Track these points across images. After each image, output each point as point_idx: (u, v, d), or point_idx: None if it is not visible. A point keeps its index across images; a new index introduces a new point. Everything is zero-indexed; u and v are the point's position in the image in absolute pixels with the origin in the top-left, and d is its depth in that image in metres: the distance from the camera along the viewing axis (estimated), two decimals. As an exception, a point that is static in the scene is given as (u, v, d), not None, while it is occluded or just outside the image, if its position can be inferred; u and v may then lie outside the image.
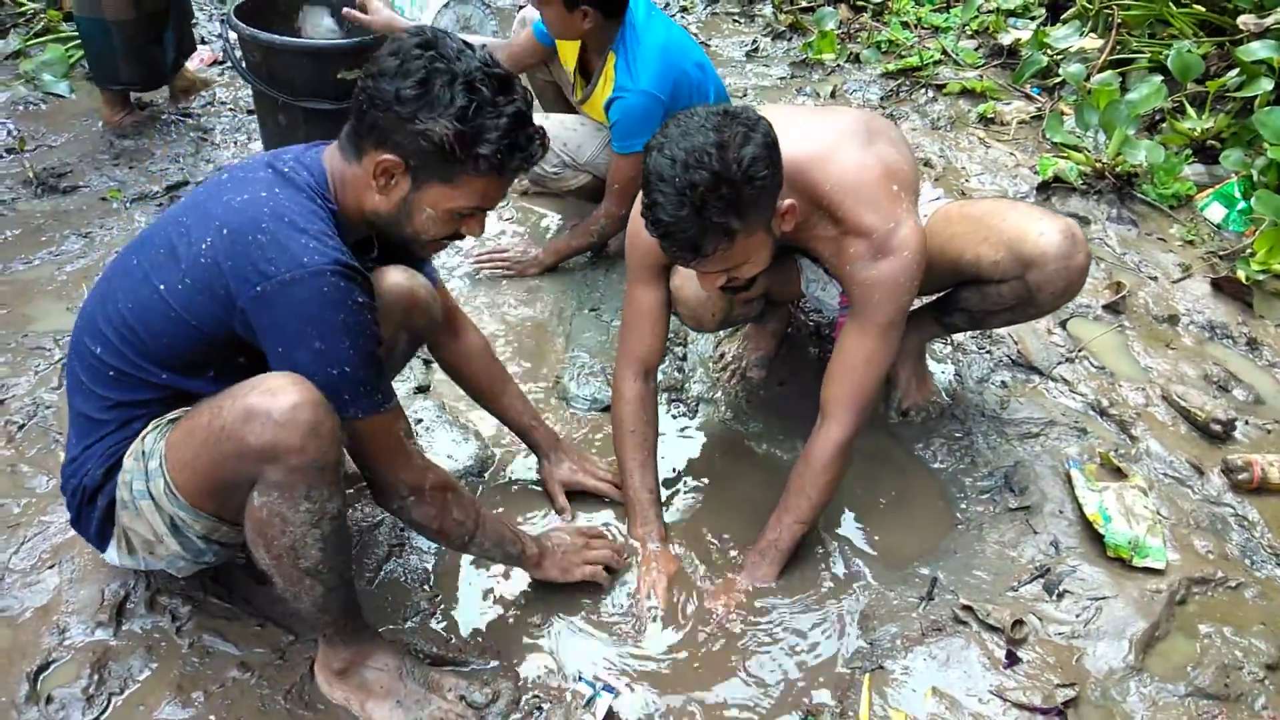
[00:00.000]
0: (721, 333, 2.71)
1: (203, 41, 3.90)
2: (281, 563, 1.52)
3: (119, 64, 3.28)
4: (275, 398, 1.42)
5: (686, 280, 2.10)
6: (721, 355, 2.64)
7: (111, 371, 1.59)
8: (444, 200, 1.57)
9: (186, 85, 3.67)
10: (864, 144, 1.93)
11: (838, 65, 4.35)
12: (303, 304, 1.47)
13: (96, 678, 1.72)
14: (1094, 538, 2.11)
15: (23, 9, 4.11)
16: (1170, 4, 3.79)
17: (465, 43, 1.55)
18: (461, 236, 1.68)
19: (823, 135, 1.94)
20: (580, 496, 2.20)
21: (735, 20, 4.86)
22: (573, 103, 2.94)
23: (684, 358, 2.65)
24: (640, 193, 1.76)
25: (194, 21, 3.52)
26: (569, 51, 2.79)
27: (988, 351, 2.65)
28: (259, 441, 1.42)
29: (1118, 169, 3.32)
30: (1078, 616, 1.96)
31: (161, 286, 1.53)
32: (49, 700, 1.68)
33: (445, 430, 2.35)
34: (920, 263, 1.88)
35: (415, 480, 1.66)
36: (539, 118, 2.69)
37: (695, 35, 4.66)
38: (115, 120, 3.44)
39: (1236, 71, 3.44)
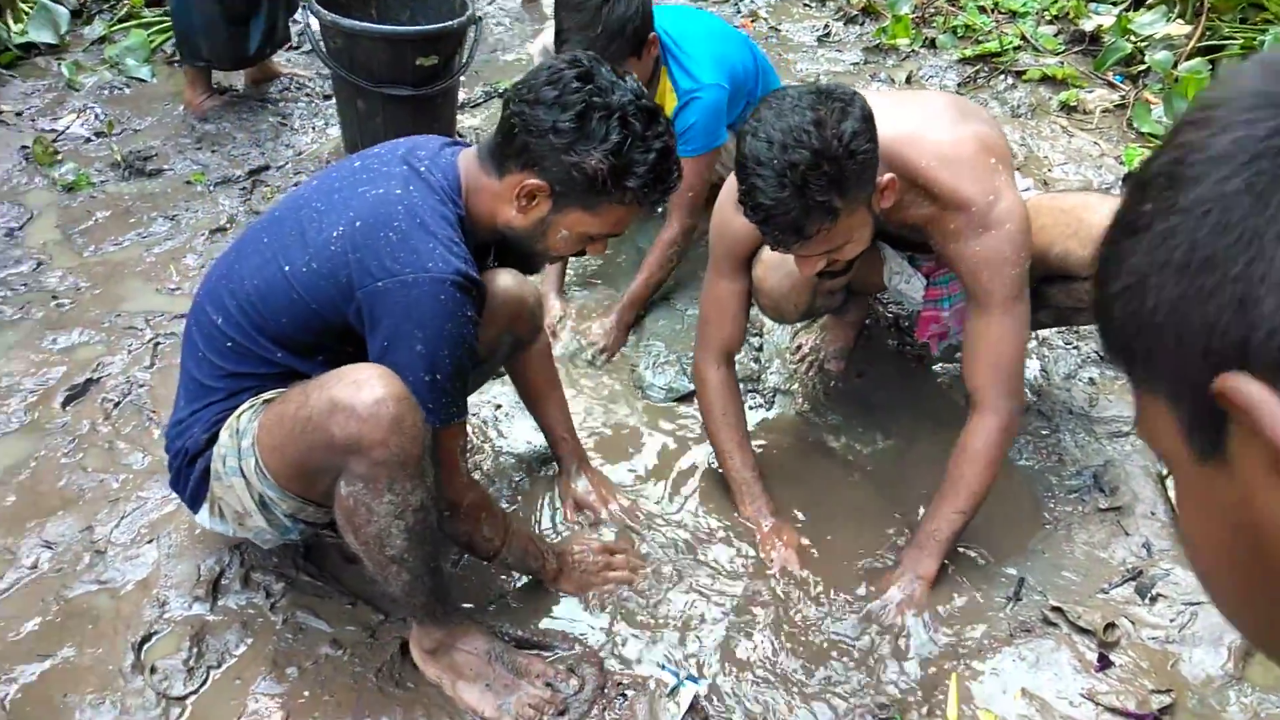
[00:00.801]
0: (799, 323, 2.69)
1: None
2: (369, 548, 1.56)
3: (200, 41, 3.34)
4: (359, 391, 1.44)
5: (769, 271, 2.08)
6: (799, 346, 2.62)
7: (229, 342, 1.64)
8: (580, 225, 1.63)
9: (266, 73, 3.72)
10: (956, 121, 1.90)
11: (912, 51, 4.27)
12: (416, 306, 1.50)
13: (195, 651, 1.77)
14: (1188, 541, 2.05)
15: (107, -6, 4.21)
16: (1265, -12, 3.66)
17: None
18: (583, 254, 1.75)
19: (914, 114, 1.90)
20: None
21: (806, 4, 4.79)
22: None
23: (760, 349, 2.63)
24: (734, 181, 1.74)
25: (294, 18, 3.55)
26: None
27: (1074, 347, 2.59)
28: (343, 434, 1.44)
29: (1208, 160, 3.20)
30: (1172, 621, 1.91)
31: (287, 267, 1.58)
32: (153, 670, 1.73)
33: (523, 417, 2.36)
34: (1025, 236, 1.83)
35: (456, 497, 1.70)
36: None
37: (764, 20, 4.61)
38: (196, 102, 3.50)
39: (1338, 59, 3.29)
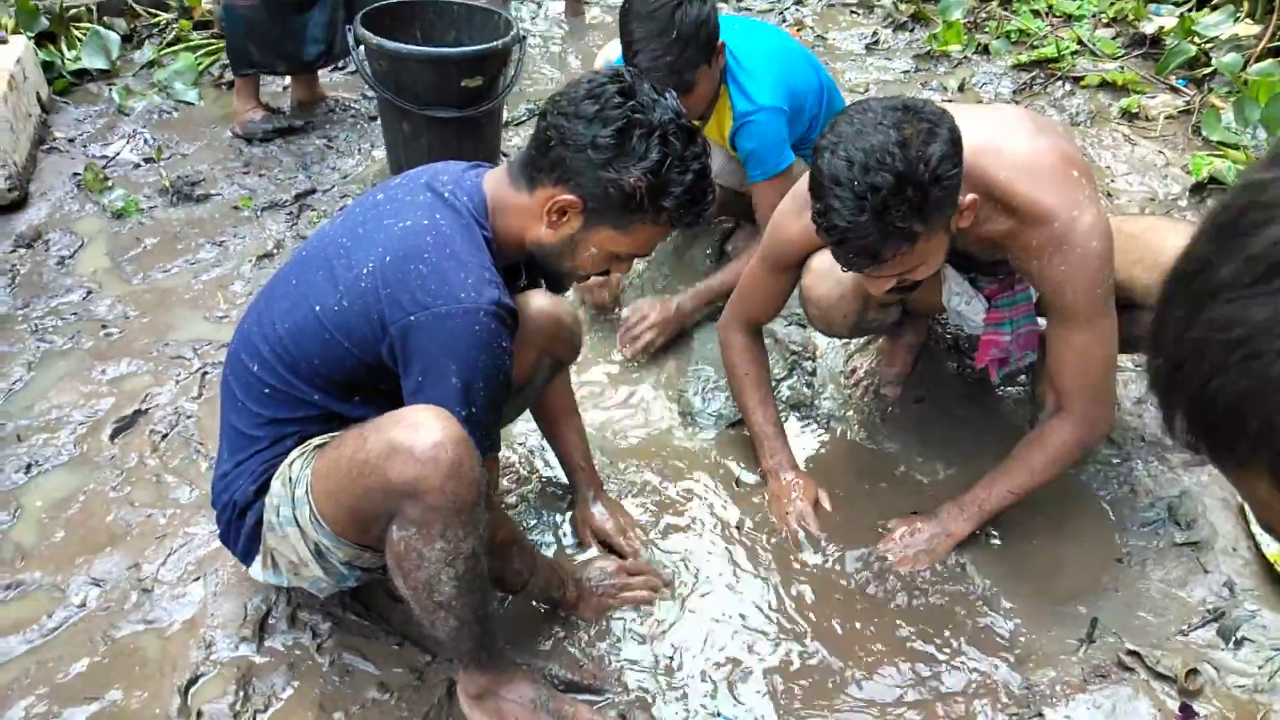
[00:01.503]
0: (853, 345, 2.61)
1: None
2: (417, 594, 1.52)
3: (248, 44, 3.35)
4: (418, 433, 1.41)
5: (818, 279, 2.02)
6: (854, 370, 2.54)
7: (267, 389, 1.61)
8: (610, 243, 1.57)
9: (313, 96, 3.72)
10: (1035, 132, 1.83)
11: (965, 57, 4.16)
12: (450, 338, 1.46)
13: (242, 694, 1.74)
14: (1274, 580, 1.94)
15: (157, 21, 4.26)
16: (1341, -15, 3.49)
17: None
18: (608, 273, 1.70)
19: (990, 125, 1.82)
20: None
21: (853, 11, 4.70)
22: None
23: (813, 372, 2.56)
24: (803, 189, 1.71)
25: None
26: None
27: (1146, 370, 2.47)
28: (400, 478, 1.40)
29: (1283, 168, 3.06)
30: (1260, 668, 1.80)
31: (317, 307, 1.55)
32: (199, 715, 1.71)
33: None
34: (1110, 253, 1.75)
35: (488, 532, 1.62)
36: None
37: (811, 28, 4.53)
38: (241, 115, 3.51)
39: None
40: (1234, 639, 1.85)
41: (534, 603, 1.91)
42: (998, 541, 2.07)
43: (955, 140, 1.58)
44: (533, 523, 2.14)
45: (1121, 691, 1.77)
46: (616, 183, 1.49)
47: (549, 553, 2.07)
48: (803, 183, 2.02)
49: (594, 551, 2.06)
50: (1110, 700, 1.76)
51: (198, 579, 1.95)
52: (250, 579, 1.90)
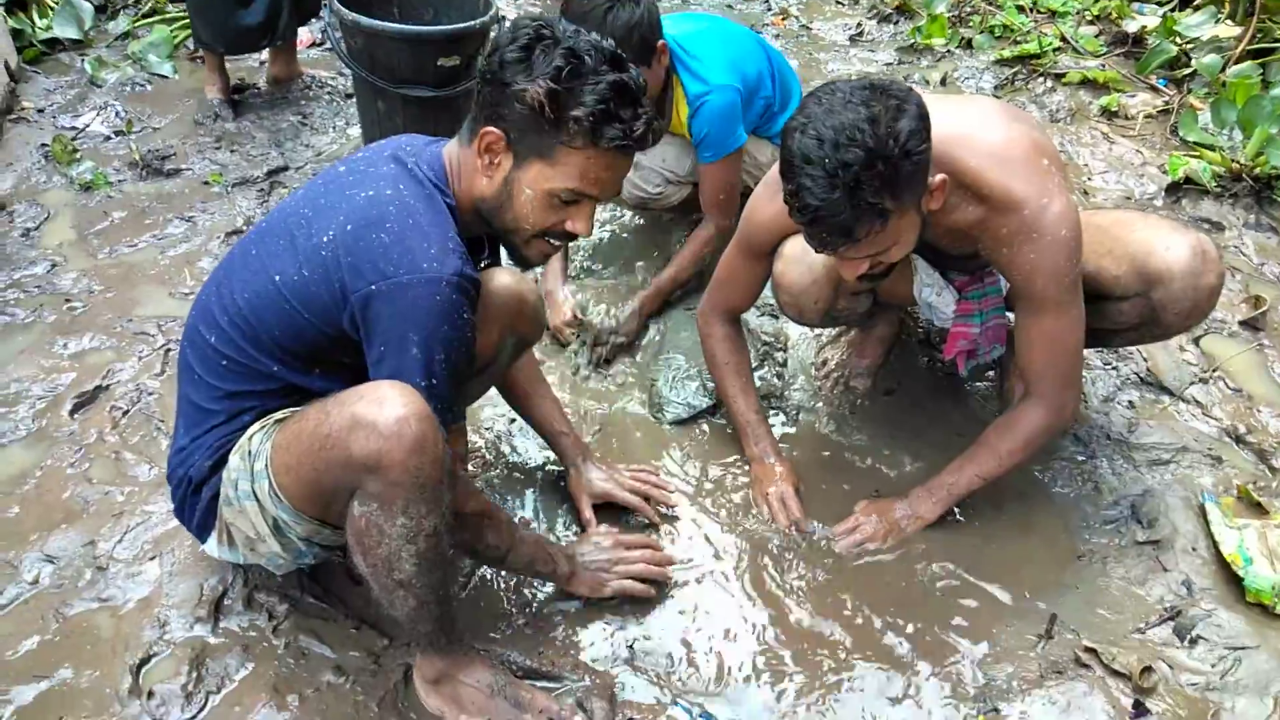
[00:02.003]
0: (824, 337, 2.60)
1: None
2: (377, 571, 1.51)
3: (199, 22, 3.33)
4: (382, 408, 1.39)
5: (789, 265, 2.01)
6: (824, 362, 2.53)
7: (224, 361, 1.58)
8: (542, 179, 1.52)
9: (290, 72, 3.67)
10: (1006, 122, 1.83)
11: (948, 51, 4.14)
12: (411, 308, 1.44)
13: (195, 675, 1.72)
14: (1231, 580, 1.95)
15: (132, -11, 4.18)
16: (1321, -11, 3.50)
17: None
18: (571, 237, 1.61)
19: (962, 115, 1.82)
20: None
21: (839, 1, 4.67)
22: None
23: (784, 363, 2.55)
24: (775, 174, 1.69)
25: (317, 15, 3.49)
26: None
27: (1114, 368, 2.48)
28: (363, 451, 1.39)
29: (1257, 171, 3.07)
30: (1213, 667, 1.81)
31: (277, 277, 1.52)
32: (150, 695, 1.69)
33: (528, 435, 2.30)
34: (1079, 241, 1.77)
35: (456, 504, 1.60)
36: None
37: (795, 18, 4.50)
38: (210, 88, 3.47)
39: (1398, 66, 3.15)
40: (1189, 637, 1.86)
41: (523, 600, 1.90)
42: (961, 519, 2.09)
43: (923, 116, 1.57)
44: (511, 503, 2.13)
45: (1077, 688, 1.78)
46: (521, 96, 1.45)
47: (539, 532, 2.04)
48: (774, 170, 2.01)
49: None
50: (1066, 696, 1.77)
51: (154, 558, 1.93)
52: (207, 559, 1.88)
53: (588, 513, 2.06)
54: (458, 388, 1.57)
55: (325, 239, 1.49)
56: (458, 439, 1.63)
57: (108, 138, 3.32)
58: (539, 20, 1.50)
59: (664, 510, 2.11)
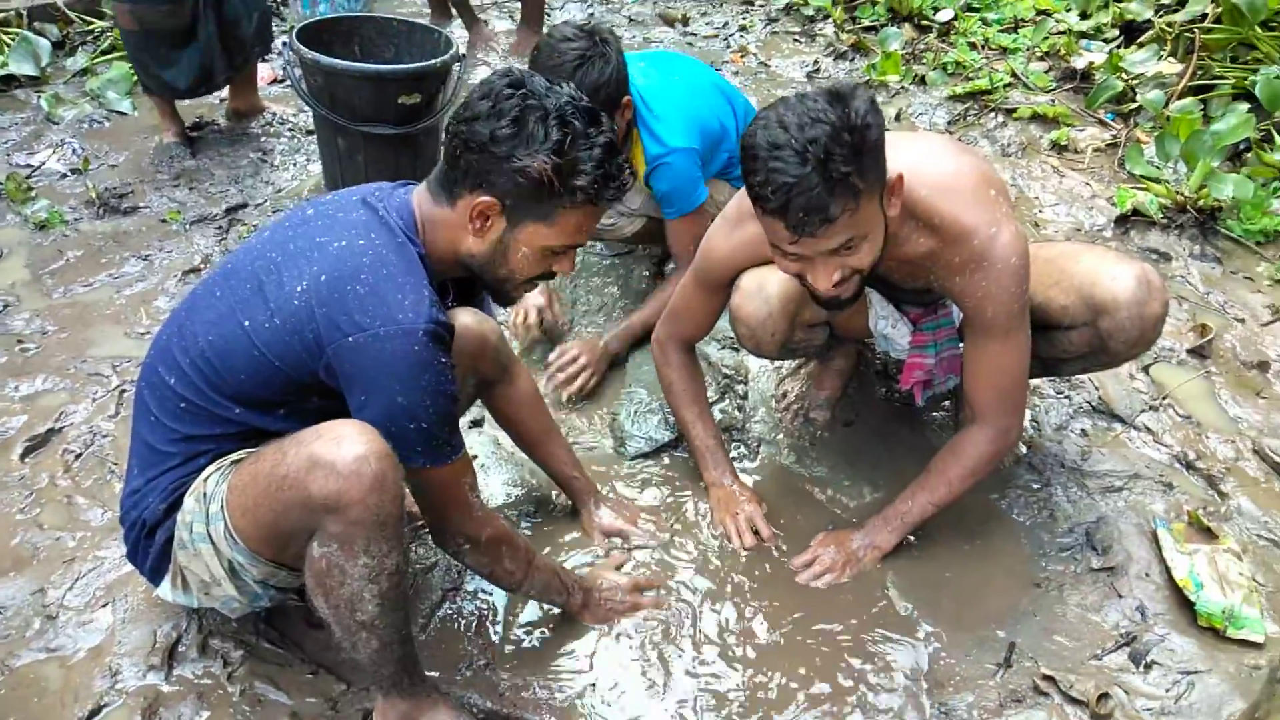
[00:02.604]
0: (784, 369, 2.63)
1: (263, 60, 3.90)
2: (339, 613, 1.49)
3: (138, 71, 3.34)
4: (340, 448, 1.39)
5: (746, 299, 2.03)
6: (784, 394, 2.56)
7: (183, 403, 1.57)
8: (540, 238, 1.56)
9: (252, 107, 3.66)
10: (954, 155, 1.90)
11: (902, 87, 4.24)
12: (391, 360, 1.46)
13: (147, 725, 1.69)
14: (1184, 604, 1.98)
15: (91, 28, 4.17)
16: (1256, 27, 3.62)
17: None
18: (553, 275, 1.67)
19: (911, 149, 1.86)
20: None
21: (796, 40, 4.77)
22: None
23: (745, 396, 2.57)
24: (733, 206, 1.81)
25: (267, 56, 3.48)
26: None
27: (1066, 397, 2.53)
28: (321, 492, 1.38)
29: (1200, 202, 3.16)
30: (1168, 691, 1.84)
31: (246, 323, 1.51)
32: (100, 748, 1.65)
33: (501, 468, 2.30)
34: (1027, 269, 1.82)
35: (473, 532, 1.67)
36: None
37: (754, 55, 4.59)
38: (165, 133, 3.46)
39: (1331, 101, 3.27)
40: (1144, 662, 1.89)
41: (486, 640, 1.90)
42: (920, 549, 2.11)
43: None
44: (529, 532, 2.14)
45: (1035, 716, 1.80)
46: (524, 171, 1.48)
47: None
48: (732, 204, 2.04)
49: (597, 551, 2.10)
50: (1025, 724, 1.78)
51: (106, 604, 1.89)
52: (161, 605, 1.85)
53: (603, 544, 2.12)
54: (451, 425, 1.58)
55: (299, 289, 1.49)
56: (464, 468, 1.62)
57: (64, 175, 3.30)
58: (514, 81, 1.51)
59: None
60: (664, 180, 2.48)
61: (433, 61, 2.93)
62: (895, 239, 1.79)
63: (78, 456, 2.22)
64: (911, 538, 2.10)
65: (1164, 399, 2.53)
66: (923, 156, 1.84)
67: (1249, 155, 3.43)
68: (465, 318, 1.88)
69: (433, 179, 1.60)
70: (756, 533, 2.14)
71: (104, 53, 4.05)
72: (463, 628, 1.92)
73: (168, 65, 3.26)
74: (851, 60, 4.51)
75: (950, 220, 1.78)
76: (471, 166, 1.51)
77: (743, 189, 2.00)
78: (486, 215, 1.54)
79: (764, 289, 1.99)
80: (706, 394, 2.31)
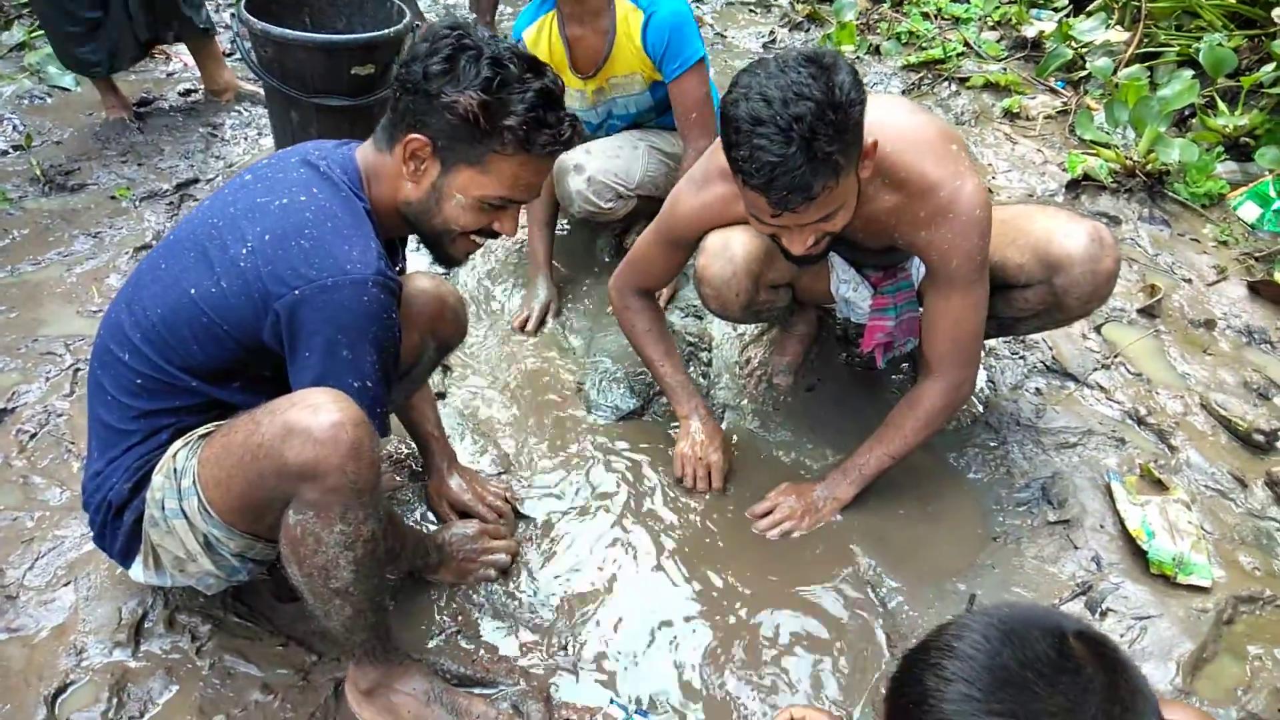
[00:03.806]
0: (747, 336, 2.65)
1: (205, 33, 3.79)
2: (313, 580, 1.48)
3: (55, 48, 3.24)
4: (316, 415, 1.37)
5: (711, 259, 2.04)
6: (748, 360, 2.58)
7: (139, 379, 1.54)
8: (473, 186, 1.53)
9: (221, 86, 3.57)
10: (912, 111, 1.91)
11: (857, 58, 4.27)
12: (339, 310, 1.43)
13: (115, 701, 1.67)
14: (1136, 553, 2.05)
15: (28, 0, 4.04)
16: (1200, -4, 3.71)
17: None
18: (496, 235, 1.64)
19: (872, 108, 1.86)
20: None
21: (751, 10, 4.77)
22: (581, 102, 2.70)
23: (709, 363, 2.59)
24: (704, 162, 1.80)
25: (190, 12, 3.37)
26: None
27: (1021, 357, 2.58)
28: (298, 459, 1.37)
29: (1149, 167, 3.24)
30: (1122, 636, 1.90)
31: (193, 290, 1.49)
32: (67, 725, 1.63)
33: (462, 439, 2.30)
34: (990, 220, 1.85)
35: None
36: (580, 156, 2.60)
37: (710, 25, 4.58)
38: (109, 110, 3.36)
39: (1273, 66, 3.35)
40: (1100, 610, 1.95)
41: (456, 609, 1.90)
42: (882, 506, 2.16)
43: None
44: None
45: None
46: (451, 106, 1.46)
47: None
48: (700, 164, 2.05)
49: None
50: (986, 672, 1.83)
51: (68, 583, 1.86)
52: (125, 583, 1.83)
53: (446, 514, 2.09)
54: (388, 390, 1.56)
55: (244, 250, 1.46)
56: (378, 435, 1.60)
57: (5, 152, 3.20)
58: (456, 28, 1.51)
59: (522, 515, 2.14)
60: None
61: (385, 31, 2.88)
62: (861, 197, 1.81)
63: (32, 436, 2.18)
64: (872, 494, 2.14)
65: (1115, 357, 2.60)
66: (884, 114, 1.85)
67: (1193, 121, 3.52)
68: (423, 280, 1.87)
69: (379, 128, 1.58)
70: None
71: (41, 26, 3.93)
72: (433, 595, 1.93)
73: (82, 40, 3.14)
74: (807, 31, 4.53)
75: (916, 175, 1.80)
76: (407, 108, 1.50)
77: (711, 149, 2.01)
78: (419, 156, 1.52)
79: (729, 249, 2.00)
80: (669, 333, 2.32)
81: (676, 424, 2.28)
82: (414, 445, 2.25)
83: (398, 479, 2.16)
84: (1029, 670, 0.86)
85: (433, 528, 2.05)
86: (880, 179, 1.82)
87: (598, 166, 2.63)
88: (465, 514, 2.08)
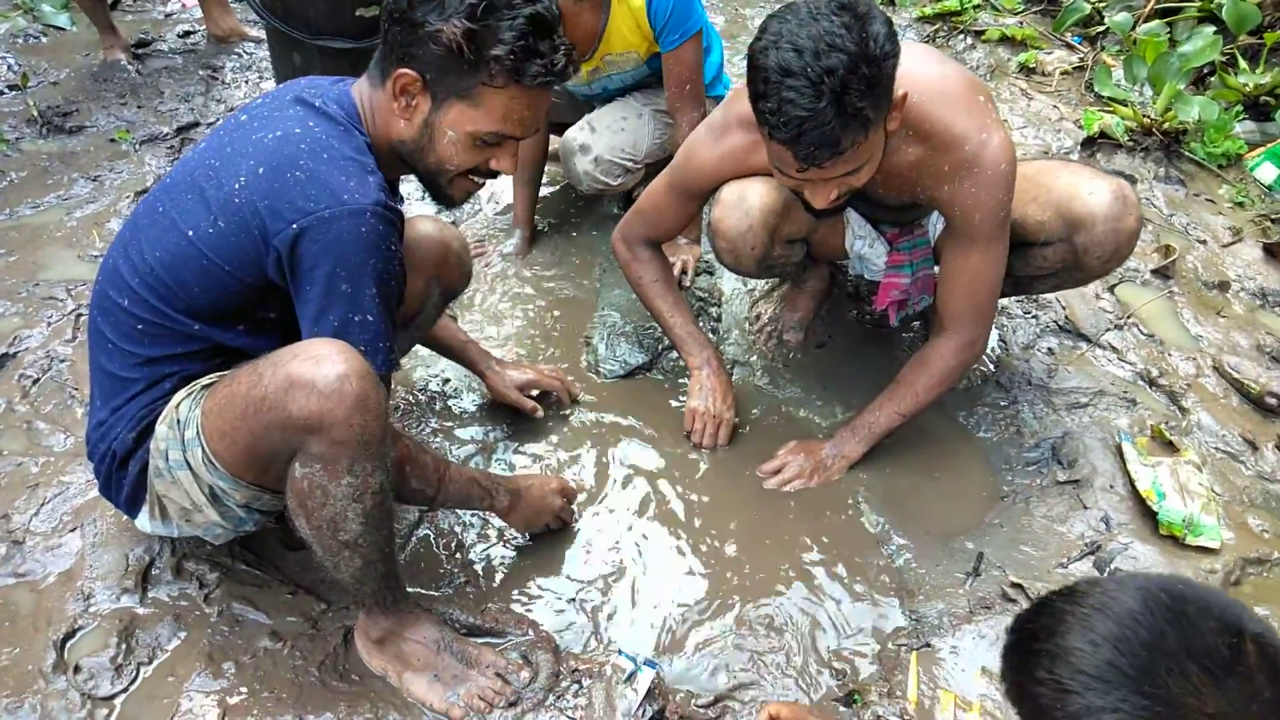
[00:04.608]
0: (757, 292, 2.62)
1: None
2: (321, 533, 1.46)
3: None
4: (320, 366, 1.34)
5: (727, 211, 2.00)
6: (758, 316, 2.55)
7: (140, 325, 1.51)
8: (465, 121, 1.48)
9: (225, 32, 3.48)
10: (938, 61, 1.85)
11: (871, 9, 4.17)
12: (336, 241, 1.39)
13: (124, 647, 1.67)
14: (1146, 514, 2.05)
15: (20, -65, 3.93)
16: (1224, -51, 3.61)
17: None
18: (494, 174, 1.59)
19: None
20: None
21: (762, -41, 4.65)
22: (575, 81, 2.62)
23: (718, 318, 2.56)
24: (722, 112, 1.75)
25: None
26: None
27: (1034, 316, 2.56)
28: (302, 412, 1.34)
29: (1166, 125, 3.19)
30: (1130, 596, 1.90)
31: (190, 232, 1.45)
32: (77, 669, 1.63)
33: (470, 394, 2.28)
34: (1014, 175, 1.81)
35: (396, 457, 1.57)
36: (586, 135, 2.52)
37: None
38: (108, 50, 3.28)
39: (1296, 23, 3.29)
40: (1108, 570, 1.95)
41: (465, 557, 1.89)
42: (891, 464, 2.15)
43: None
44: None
45: (1005, 621, 1.83)
46: (436, 37, 1.40)
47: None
48: (718, 112, 2.00)
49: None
50: (994, 630, 1.83)
51: (74, 530, 1.85)
52: (131, 529, 1.82)
53: (527, 403, 2.15)
54: (392, 326, 1.52)
55: (237, 185, 1.42)
56: (384, 382, 1.56)
57: (1, 93, 3.13)
58: None
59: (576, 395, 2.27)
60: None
61: (392, -28, 2.81)
62: (888, 151, 1.76)
63: (35, 382, 2.16)
64: (882, 453, 2.13)
65: (1128, 318, 2.58)
66: (910, 64, 1.79)
67: (1212, 79, 3.45)
68: (426, 225, 1.83)
69: (371, 64, 1.53)
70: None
71: (37, -37, 3.82)
72: (441, 546, 1.92)
73: None
74: (820, -20, 4.42)
75: (941, 127, 1.76)
76: (395, 39, 1.45)
77: (730, 96, 1.97)
78: (409, 91, 1.47)
79: (745, 201, 1.96)
80: (676, 283, 2.28)
81: (684, 379, 2.26)
82: (415, 397, 2.23)
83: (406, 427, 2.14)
84: (1194, 662, 0.78)
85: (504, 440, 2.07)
86: (904, 131, 1.77)
87: (604, 145, 2.56)
88: (533, 397, 2.17)
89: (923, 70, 1.77)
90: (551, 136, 2.78)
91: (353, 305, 1.42)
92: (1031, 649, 0.87)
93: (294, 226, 1.39)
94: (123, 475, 1.59)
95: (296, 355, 1.37)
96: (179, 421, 1.50)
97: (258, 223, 1.41)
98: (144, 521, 1.63)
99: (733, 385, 2.24)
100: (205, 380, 1.53)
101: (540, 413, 2.16)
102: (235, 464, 1.47)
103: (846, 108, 1.50)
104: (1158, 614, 0.81)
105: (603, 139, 2.56)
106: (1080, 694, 0.80)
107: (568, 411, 2.24)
